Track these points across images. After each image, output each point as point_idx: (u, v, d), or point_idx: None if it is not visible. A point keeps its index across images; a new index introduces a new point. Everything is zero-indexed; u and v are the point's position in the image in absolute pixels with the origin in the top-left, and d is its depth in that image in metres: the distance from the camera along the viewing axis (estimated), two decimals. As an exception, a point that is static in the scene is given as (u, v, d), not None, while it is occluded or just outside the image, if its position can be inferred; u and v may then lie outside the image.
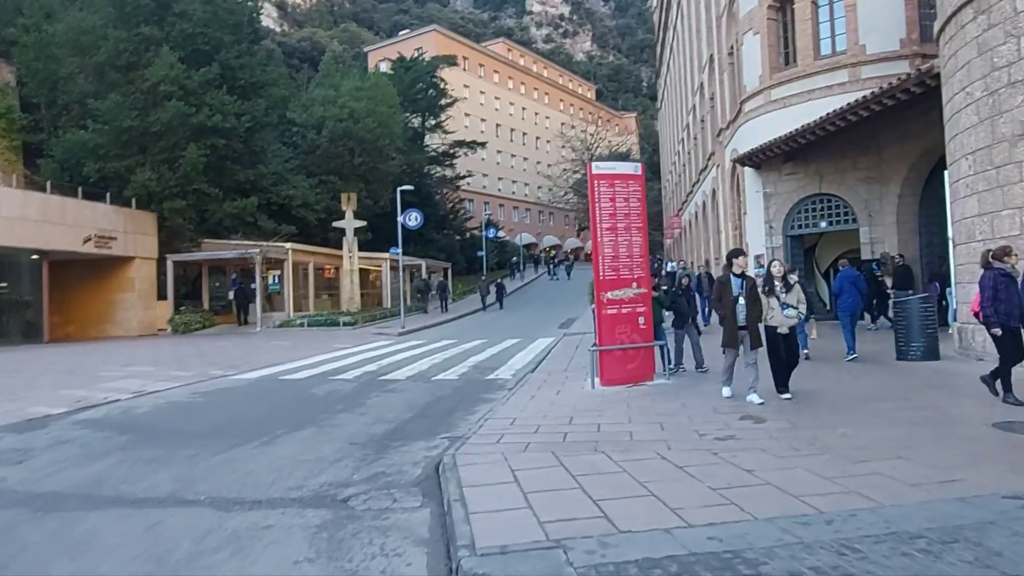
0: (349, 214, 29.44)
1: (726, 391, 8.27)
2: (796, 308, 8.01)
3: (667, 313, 10.97)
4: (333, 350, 17.52)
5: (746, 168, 20.64)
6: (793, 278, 8.26)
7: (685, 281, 11.86)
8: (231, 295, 27.06)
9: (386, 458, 6.36)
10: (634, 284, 9.77)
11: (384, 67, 54.99)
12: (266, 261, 25.83)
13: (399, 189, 24.84)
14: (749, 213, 21.25)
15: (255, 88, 28.86)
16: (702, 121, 32.87)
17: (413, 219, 24.85)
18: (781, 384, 8.12)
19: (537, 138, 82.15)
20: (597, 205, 9.64)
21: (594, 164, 9.84)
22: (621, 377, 9.58)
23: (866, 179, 17.58)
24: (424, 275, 36.34)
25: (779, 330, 7.95)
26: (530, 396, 9.17)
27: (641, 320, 9.77)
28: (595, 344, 9.83)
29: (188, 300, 27.98)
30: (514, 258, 55.17)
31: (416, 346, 18.19)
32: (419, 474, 5.76)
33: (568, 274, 50.82)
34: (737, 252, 8.28)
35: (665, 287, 11.93)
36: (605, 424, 7.04)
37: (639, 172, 10.08)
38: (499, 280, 37.25)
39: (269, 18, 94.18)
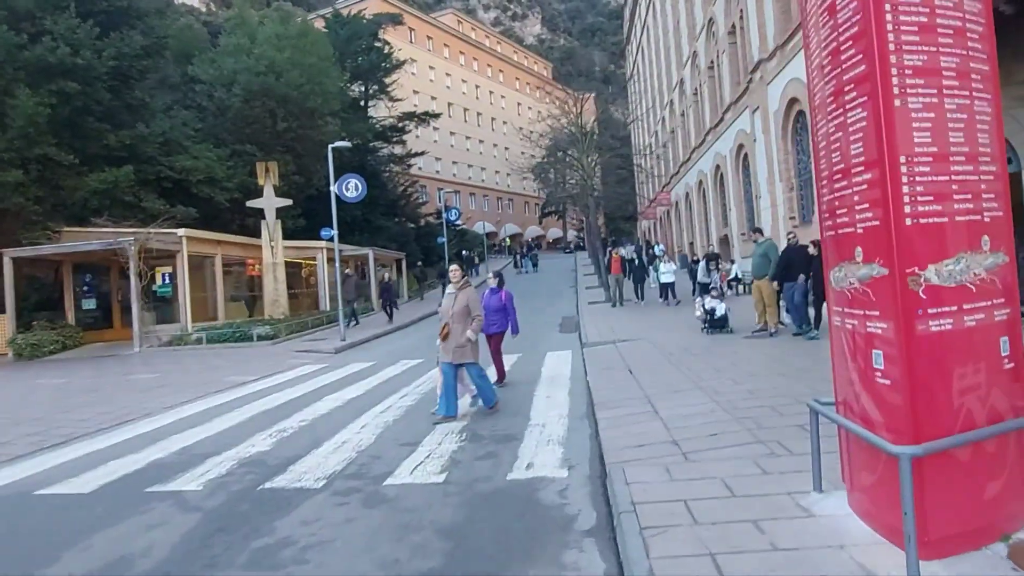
0: (268, 190, 22.25)
1: None
2: None
3: None
4: (223, 387, 10.69)
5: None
6: None
7: None
8: None
9: None
10: (985, 239, 3.24)
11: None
12: (146, 254, 18.32)
13: (331, 147, 17.66)
14: (829, 162, 15.05)
15: (125, 16, 20.95)
16: (710, 68, 26.67)
17: (353, 188, 17.75)
18: None
19: (493, 119, 75.14)
20: (891, 36, 3.06)
21: None
22: (974, 521, 3.06)
23: (1033, 97, 11.48)
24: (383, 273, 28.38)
25: None
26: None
27: (1005, 344, 3.25)
28: (879, 425, 3.29)
29: (46, 312, 20.38)
30: (464, 251, 46.78)
31: (359, 375, 11.40)
32: None
33: (535, 265, 43.65)
34: None
35: None
36: None
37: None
38: (385, 277, 25.62)
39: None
